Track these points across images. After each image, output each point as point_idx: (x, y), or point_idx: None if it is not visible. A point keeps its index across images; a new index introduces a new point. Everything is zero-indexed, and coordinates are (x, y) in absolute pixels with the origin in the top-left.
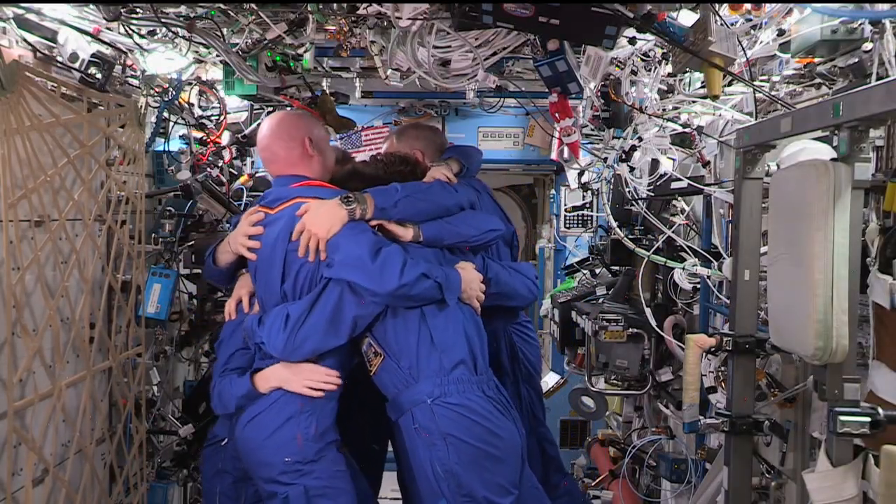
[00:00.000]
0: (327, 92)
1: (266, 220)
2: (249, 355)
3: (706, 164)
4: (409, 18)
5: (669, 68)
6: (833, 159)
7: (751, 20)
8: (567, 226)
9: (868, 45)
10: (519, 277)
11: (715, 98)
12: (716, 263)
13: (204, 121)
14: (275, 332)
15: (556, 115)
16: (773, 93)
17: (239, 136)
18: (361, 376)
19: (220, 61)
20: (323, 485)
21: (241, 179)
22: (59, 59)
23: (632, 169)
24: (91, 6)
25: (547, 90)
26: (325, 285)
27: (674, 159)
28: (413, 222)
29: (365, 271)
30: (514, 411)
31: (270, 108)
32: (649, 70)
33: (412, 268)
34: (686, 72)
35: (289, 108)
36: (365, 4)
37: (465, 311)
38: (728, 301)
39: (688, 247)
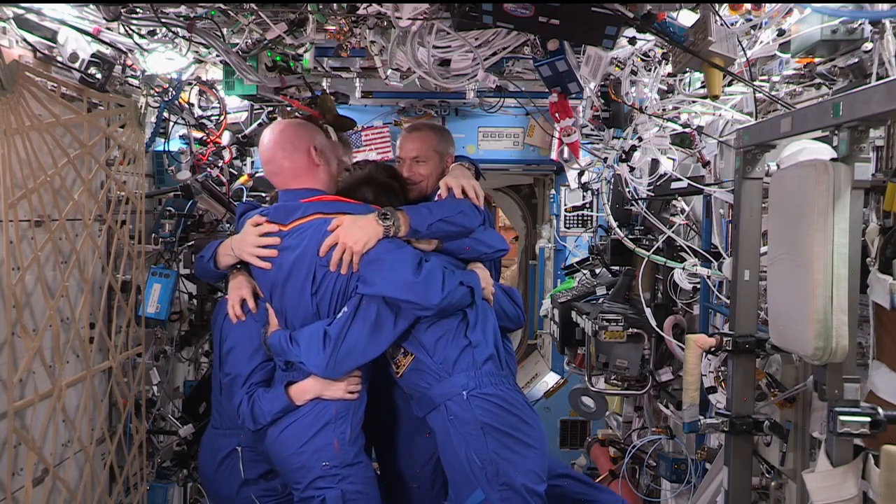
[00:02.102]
0: (327, 91)
1: (279, 234)
2: (270, 367)
3: (706, 164)
4: (409, 18)
5: (669, 68)
6: (833, 159)
7: (751, 20)
8: (567, 226)
9: (868, 45)
10: (509, 302)
11: (715, 98)
12: (716, 263)
13: (204, 121)
14: (314, 352)
15: (556, 115)
16: (773, 93)
17: (239, 136)
18: None
19: (220, 61)
20: (358, 490)
21: (241, 179)
22: (59, 59)
23: (632, 169)
24: (91, 6)
25: (547, 90)
26: (359, 301)
27: (674, 159)
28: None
29: (410, 288)
30: None
31: (270, 109)
32: (649, 70)
33: (450, 278)
34: (686, 72)
35: (295, 115)
36: (365, 4)
37: (490, 310)
38: (728, 301)
39: (688, 247)
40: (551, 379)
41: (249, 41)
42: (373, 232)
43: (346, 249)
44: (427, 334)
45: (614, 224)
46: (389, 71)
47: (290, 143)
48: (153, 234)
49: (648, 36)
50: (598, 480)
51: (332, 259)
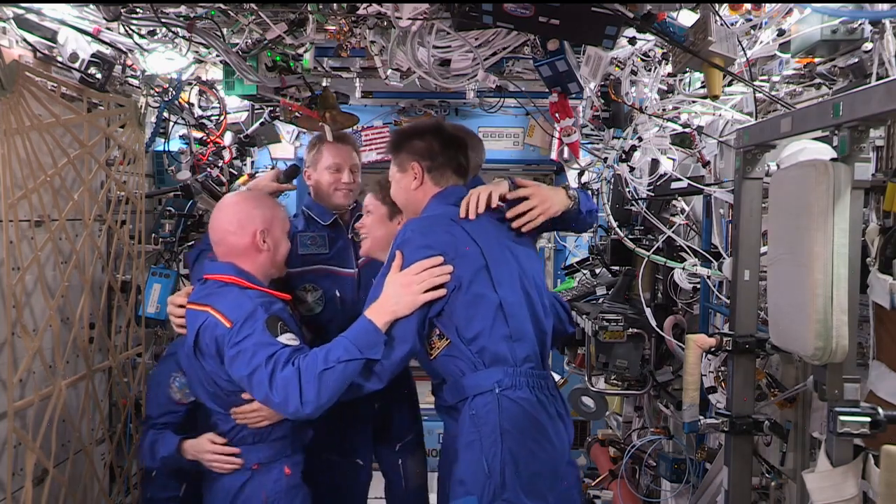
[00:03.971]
0: (329, 89)
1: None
2: (181, 413)
3: (706, 164)
4: (409, 18)
5: (669, 68)
6: (833, 159)
7: (751, 20)
8: None
9: (868, 45)
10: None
11: (715, 98)
12: (716, 263)
13: (204, 121)
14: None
15: (557, 115)
16: (773, 93)
17: (241, 136)
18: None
19: (220, 61)
20: None
21: (241, 179)
22: (59, 59)
23: (632, 169)
24: (91, 6)
25: (547, 90)
26: None
27: (674, 159)
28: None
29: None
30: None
31: (271, 108)
32: (649, 70)
33: (312, 377)
34: (686, 72)
35: (294, 115)
36: (365, 4)
37: (539, 304)
38: (728, 301)
39: (688, 247)
40: None
41: (249, 41)
42: (562, 202)
43: (537, 208)
44: (462, 321)
45: (614, 224)
46: (389, 71)
47: (236, 219)
48: (153, 234)
49: (648, 36)
50: (597, 480)
51: (515, 209)
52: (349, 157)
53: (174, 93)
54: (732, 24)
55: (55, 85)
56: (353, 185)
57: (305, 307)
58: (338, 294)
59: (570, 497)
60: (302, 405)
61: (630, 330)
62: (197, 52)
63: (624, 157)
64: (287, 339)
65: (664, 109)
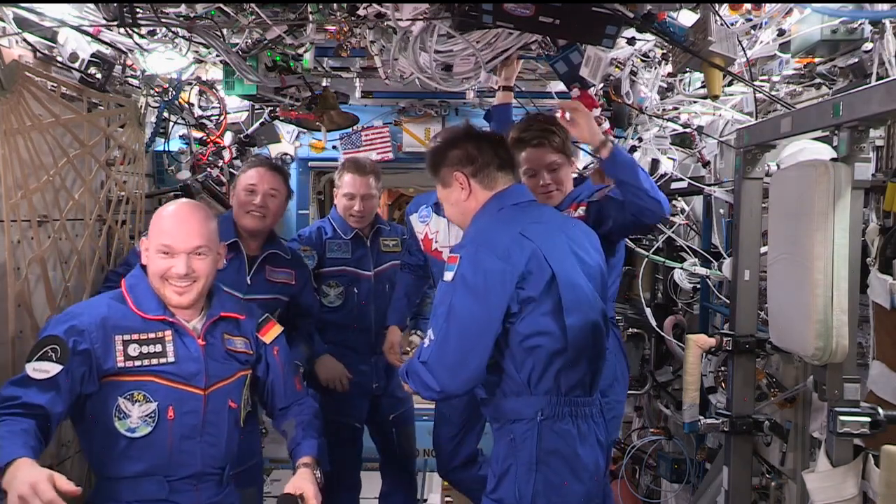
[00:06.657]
0: (329, 89)
1: None
2: None
3: (706, 164)
4: (408, 19)
5: (669, 68)
6: (833, 159)
7: (751, 20)
8: None
9: (868, 45)
10: None
11: (715, 98)
12: (716, 263)
13: (204, 121)
14: None
15: None
16: (773, 93)
17: (241, 136)
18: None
19: (220, 61)
20: None
21: None
22: (59, 59)
23: None
24: (91, 6)
25: (567, 90)
26: None
27: (674, 159)
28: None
29: None
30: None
31: (271, 108)
32: (649, 70)
33: None
34: (686, 72)
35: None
36: (365, 5)
37: (602, 327)
38: (728, 301)
39: (688, 247)
40: None
41: (249, 41)
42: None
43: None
44: (523, 351)
45: None
46: (390, 71)
47: None
48: None
49: (648, 36)
50: None
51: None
52: (363, 188)
53: (174, 93)
54: (732, 24)
55: (55, 85)
56: (364, 213)
57: (328, 300)
58: (355, 291)
59: None
60: None
61: (630, 330)
62: (197, 52)
63: None
64: (36, 367)
65: (664, 109)
